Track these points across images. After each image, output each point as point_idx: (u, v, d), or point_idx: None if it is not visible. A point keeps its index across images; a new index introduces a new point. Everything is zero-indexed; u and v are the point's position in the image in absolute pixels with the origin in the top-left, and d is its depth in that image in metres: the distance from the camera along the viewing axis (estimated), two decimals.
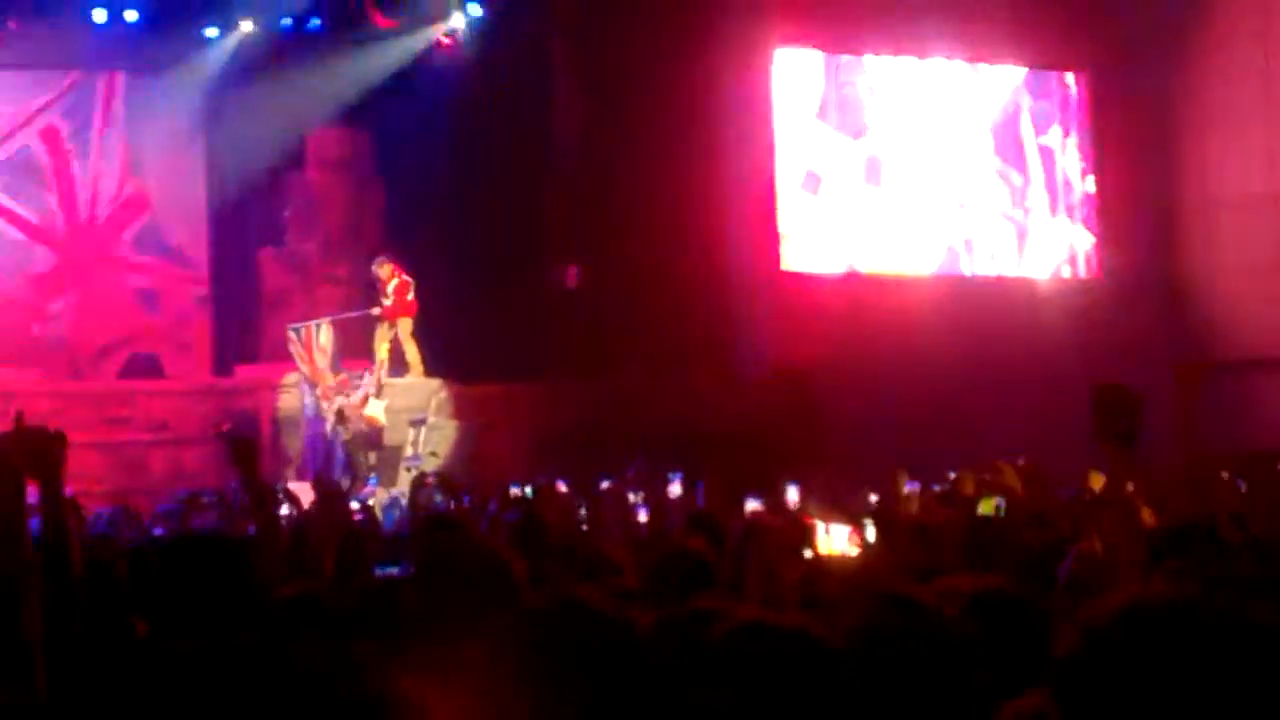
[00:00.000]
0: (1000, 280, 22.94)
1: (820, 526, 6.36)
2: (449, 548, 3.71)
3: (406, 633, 3.54)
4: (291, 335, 17.96)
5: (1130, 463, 5.76)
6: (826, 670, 3.01)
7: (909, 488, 11.67)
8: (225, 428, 18.14)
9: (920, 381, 19.59)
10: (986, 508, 7.92)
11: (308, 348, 17.68)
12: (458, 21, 20.42)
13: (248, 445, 5.07)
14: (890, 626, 3.44)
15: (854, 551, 6.36)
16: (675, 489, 10.88)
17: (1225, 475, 13.49)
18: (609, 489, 11.18)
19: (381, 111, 19.79)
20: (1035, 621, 3.89)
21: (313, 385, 17.72)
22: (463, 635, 3.25)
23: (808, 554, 5.87)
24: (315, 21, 20.27)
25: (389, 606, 3.93)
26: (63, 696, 3.59)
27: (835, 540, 6.34)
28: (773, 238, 21.54)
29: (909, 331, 20.41)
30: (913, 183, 22.48)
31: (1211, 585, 4.62)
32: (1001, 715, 3.22)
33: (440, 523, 6.62)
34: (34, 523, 4.09)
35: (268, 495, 5.19)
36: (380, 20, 19.97)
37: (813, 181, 21.93)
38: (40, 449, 4.08)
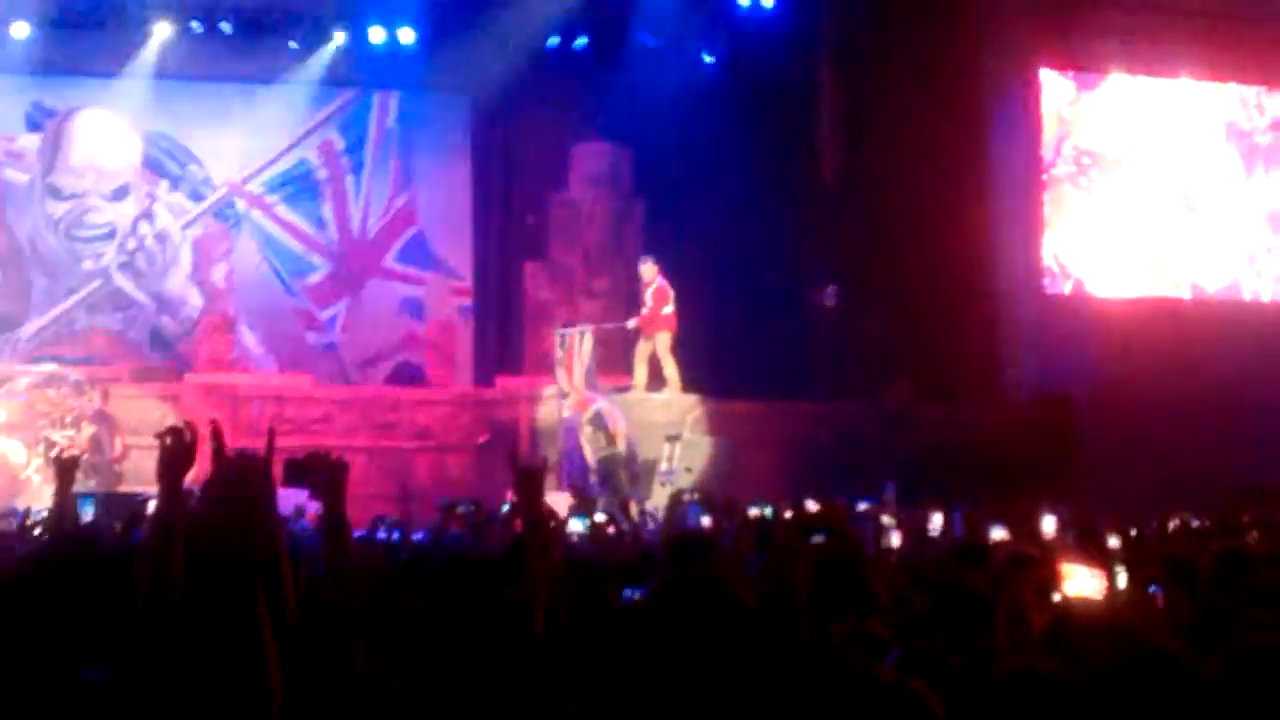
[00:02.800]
0: (1273, 304, 22.13)
1: (1068, 568, 6.14)
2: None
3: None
4: (558, 340, 18.08)
5: None
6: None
7: (1172, 524, 11.26)
8: (483, 439, 18.55)
9: (1188, 410, 18.98)
10: None
11: (569, 355, 17.81)
12: (721, 42, 20.49)
13: (537, 479, 5.06)
14: (1139, 678, 3.32)
15: (1100, 595, 6.12)
16: (936, 519, 10.65)
17: None
18: (865, 511, 11.06)
19: (644, 128, 19.97)
20: None
21: (563, 395, 17.85)
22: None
23: (1055, 596, 5.69)
24: (581, 40, 20.59)
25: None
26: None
27: (1082, 582, 6.11)
28: (1037, 260, 21.17)
29: (1177, 357, 19.81)
30: (1176, 205, 21.92)
31: None
32: None
33: (694, 544, 6.61)
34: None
35: (546, 526, 5.18)
36: (645, 39, 20.17)
37: (1080, 197, 21.55)
38: (326, 474, 4.24)
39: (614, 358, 18.64)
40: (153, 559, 3.64)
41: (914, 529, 10.43)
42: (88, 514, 8.93)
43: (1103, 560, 6.93)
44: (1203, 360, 19.88)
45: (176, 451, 3.83)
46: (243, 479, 3.68)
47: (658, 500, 15.56)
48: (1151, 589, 6.64)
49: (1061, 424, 19.09)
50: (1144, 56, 21.78)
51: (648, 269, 18.34)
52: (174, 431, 3.88)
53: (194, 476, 3.92)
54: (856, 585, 5.63)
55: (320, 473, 4.29)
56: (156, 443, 3.93)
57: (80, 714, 3.33)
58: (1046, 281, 21.29)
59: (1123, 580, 6.75)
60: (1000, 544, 9.26)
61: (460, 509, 12.24)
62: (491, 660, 3.58)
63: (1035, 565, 6.20)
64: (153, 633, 3.47)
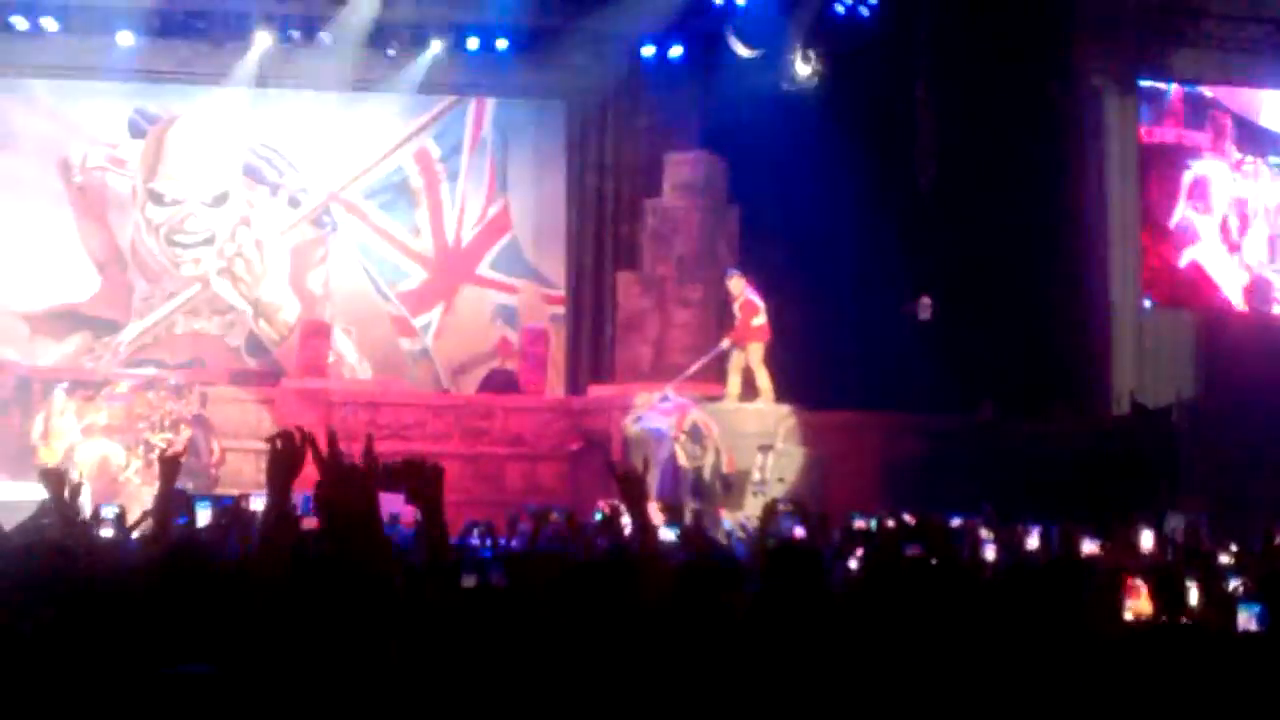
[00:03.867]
0: None
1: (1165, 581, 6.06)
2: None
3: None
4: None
5: None
6: None
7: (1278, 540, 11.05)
8: (575, 447, 18.58)
9: None
10: None
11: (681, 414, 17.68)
12: (818, 52, 20.39)
13: (639, 485, 5.15)
14: None
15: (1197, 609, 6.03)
16: (1033, 538, 10.56)
17: None
18: (959, 526, 10.96)
19: (739, 138, 19.93)
20: None
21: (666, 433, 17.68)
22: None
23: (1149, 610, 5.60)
24: (677, 50, 20.59)
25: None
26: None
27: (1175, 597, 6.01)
28: (1136, 273, 20.97)
29: (1278, 371, 19.55)
30: (1274, 216, 21.69)
31: None
32: None
33: (796, 554, 6.57)
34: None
35: (650, 530, 5.26)
36: (741, 49, 20.14)
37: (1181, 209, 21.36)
38: (423, 480, 4.27)
39: (707, 367, 18.59)
40: (263, 563, 3.68)
41: (1009, 544, 10.33)
42: (205, 516, 8.86)
43: (1205, 575, 6.84)
44: None
45: (286, 455, 3.87)
46: (355, 482, 3.72)
47: (750, 510, 15.51)
48: (1254, 606, 6.55)
49: (1161, 439, 18.85)
50: (1242, 68, 21.54)
51: (735, 283, 18.32)
52: (284, 436, 3.92)
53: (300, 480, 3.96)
54: (951, 599, 5.60)
55: (417, 478, 4.32)
56: (252, 447, 4.00)
57: (183, 707, 3.36)
58: (1146, 294, 21.08)
59: (1216, 595, 6.67)
60: (1096, 558, 9.17)
61: (554, 515, 12.27)
62: (621, 659, 3.59)
63: (1129, 579, 6.14)
64: (263, 633, 3.50)
